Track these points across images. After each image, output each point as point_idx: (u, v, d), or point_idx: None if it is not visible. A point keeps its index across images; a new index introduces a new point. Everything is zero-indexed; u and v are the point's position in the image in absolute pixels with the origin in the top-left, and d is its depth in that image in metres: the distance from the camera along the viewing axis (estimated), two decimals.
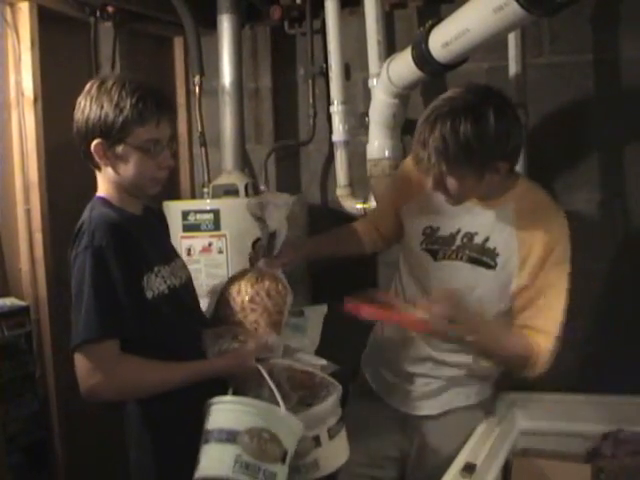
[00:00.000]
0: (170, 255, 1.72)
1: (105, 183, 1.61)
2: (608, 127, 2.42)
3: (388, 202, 2.10)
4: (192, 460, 1.50)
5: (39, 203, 2.27)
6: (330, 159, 2.78)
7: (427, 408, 1.93)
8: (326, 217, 2.77)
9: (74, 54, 2.51)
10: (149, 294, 1.55)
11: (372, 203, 2.55)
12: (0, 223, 2.27)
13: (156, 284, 1.58)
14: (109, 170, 1.58)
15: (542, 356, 1.75)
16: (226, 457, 1.46)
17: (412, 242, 1.93)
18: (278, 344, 1.68)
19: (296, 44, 2.82)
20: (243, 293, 1.74)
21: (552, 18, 1.90)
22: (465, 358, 1.84)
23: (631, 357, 2.39)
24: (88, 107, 1.54)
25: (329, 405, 1.64)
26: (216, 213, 2.35)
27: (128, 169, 1.56)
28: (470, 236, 1.83)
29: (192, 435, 1.53)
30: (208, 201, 2.45)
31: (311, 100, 2.75)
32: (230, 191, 2.47)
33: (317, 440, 1.61)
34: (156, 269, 1.59)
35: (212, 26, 2.60)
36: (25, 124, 2.26)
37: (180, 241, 2.33)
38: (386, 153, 2.44)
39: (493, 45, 2.17)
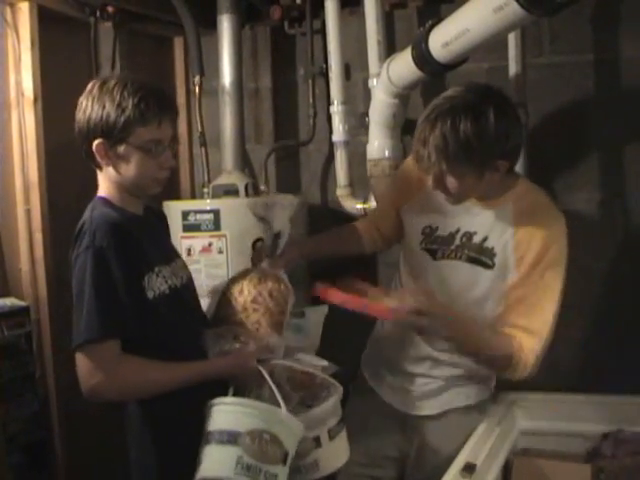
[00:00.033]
0: (171, 255, 1.72)
1: (106, 183, 1.61)
2: (608, 127, 2.42)
3: (389, 202, 2.10)
4: (193, 461, 1.50)
5: (39, 203, 2.27)
6: (330, 159, 2.78)
7: (427, 408, 1.93)
8: (326, 217, 2.77)
9: (74, 54, 2.51)
10: (150, 294, 1.55)
11: (372, 203, 2.55)
12: (0, 223, 2.27)
13: (157, 284, 1.58)
14: (110, 170, 1.58)
15: (526, 358, 1.73)
16: (227, 458, 1.46)
17: (412, 241, 1.93)
18: (279, 345, 1.68)
19: (296, 44, 2.81)
20: (246, 293, 1.74)
21: (552, 18, 1.90)
22: (464, 358, 1.84)
23: (631, 357, 2.39)
24: (90, 107, 1.54)
25: (330, 406, 1.64)
26: (216, 213, 2.35)
27: (129, 169, 1.57)
28: (469, 236, 1.83)
29: (193, 435, 1.53)
30: (208, 201, 2.45)
31: (311, 100, 2.75)
32: (230, 191, 2.47)
33: (317, 441, 1.62)
34: (157, 269, 1.59)
35: (212, 26, 2.60)
36: (25, 124, 2.26)
37: (180, 241, 2.33)
38: (386, 153, 2.44)
39: (493, 45, 2.17)
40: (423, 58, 2.07)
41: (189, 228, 2.37)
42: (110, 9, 2.52)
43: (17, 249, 2.29)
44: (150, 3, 2.59)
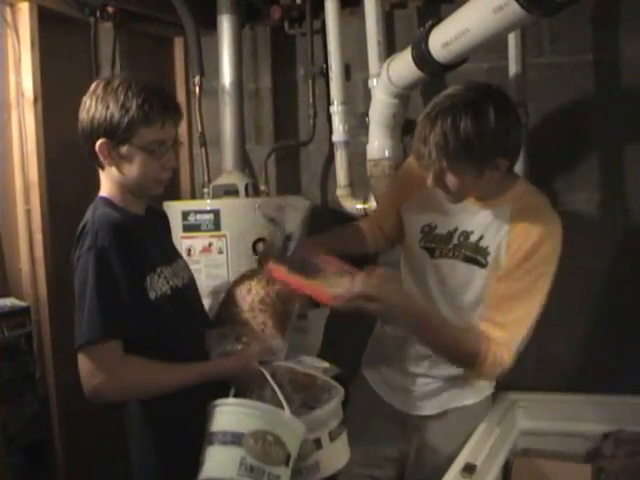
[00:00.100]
0: (172, 256, 1.72)
1: (108, 183, 1.62)
2: (608, 127, 2.42)
3: (390, 201, 2.10)
4: (194, 461, 1.50)
5: (39, 203, 2.27)
6: (330, 159, 2.78)
7: (427, 408, 1.94)
8: (326, 217, 2.77)
9: (74, 54, 2.51)
10: (152, 295, 1.56)
11: (372, 203, 2.55)
12: (0, 223, 2.27)
13: (159, 285, 1.58)
14: (113, 170, 1.58)
15: (494, 357, 1.70)
16: (230, 459, 1.46)
17: (411, 240, 1.94)
18: (282, 347, 1.68)
19: (296, 44, 2.81)
20: (254, 293, 1.74)
21: (552, 18, 1.89)
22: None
23: (631, 357, 2.39)
24: (94, 107, 1.55)
25: (331, 408, 1.64)
26: (216, 213, 2.35)
27: (132, 169, 1.57)
28: (466, 235, 1.83)
29: (194, 436, 1.53)
30: (208, 201, 2.45)
31: (311, 100, 2.75)
32: (230, 191, 2.47)
33: (318, 443, 1.62)
34: (159, 270, 1.59)
35: (212, 26, 2.60)
36: (25, 124, 2.26)
37: (180, 241, 2.32)
38: (386, 153, 2.44)
39: (493, 45, 2.17)
40: (423, 58, 2.07)
41: (189, 228, 2.37)
42: (110, 9, 2.52)
43: (17, 249, 2.29)
44: (150, 3, 2.58)
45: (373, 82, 2.46)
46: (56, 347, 2.29)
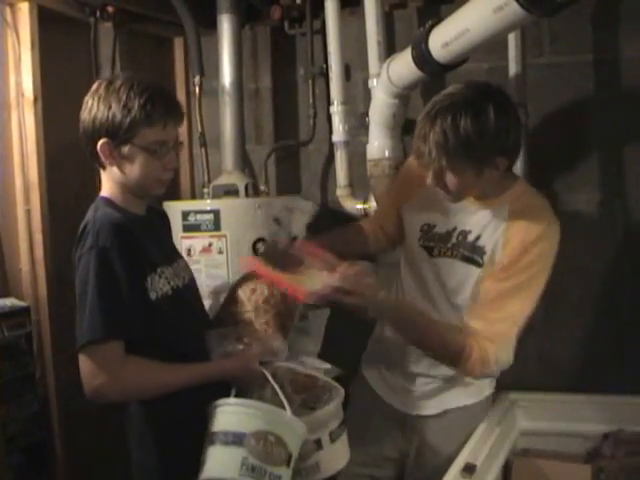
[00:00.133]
0: (173, 256, 1.72)
1: (109, 183, 1.62)
2: (608, 127, 2.42)
3: (390, 201, 2.11)
4: (195, 461, 1.50)
5: (39, 203, 2.27)
6: (330, 159, 2.78)
7: (427, 408, 1.94)
8: (326, 217, 2.76)
9: (74, 54, 2.51)
10: (153, 295, 1.55)
11: (372, 203, 2.55)
12: (0, 223, 2.27)
13: (159, 285, 1.58)
14: (114, 170, 1.58)
15: (480, 356, 1.70)
16: (232, 459, 1.46)
17: (410, 239, 1.95)
18: (283, 349, 1.68)
19: (296, 44, 2.81)
20: (259, 293, 1.74)
21: (552, 18, 1.89)
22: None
23: (631, 357, 2.39)
24: (96, 107, 1.55)
25: (332, 409, 1.65)
26: (216, 213, 2.35)
27: (134, 169, 1.57)
28: (464, 234, 1.83)
29: (195, 436, 1.53)
30: (208, 201, 2.45)
31: (311, 100, 2.75)
32: (230, 191, 2.47)
33: (319, 443, 1.62)
34: (159, 270, 1.59)
35: (212, 26, 2.60)
36: (25, 124, 2.26)
37: (180, 241, 2.32)
38: (386, 153, 2.44)
39: (493, 45, 2.17)
40: (423, 58, 2.07)
41: (189, 228, 2.37)
42: (110, 9, 2.52)
43: (17, 249, 2.29)
44: (150, 3, 2.58)
45: (373, 82, 2.46)
46: (56, 347, 2.29)
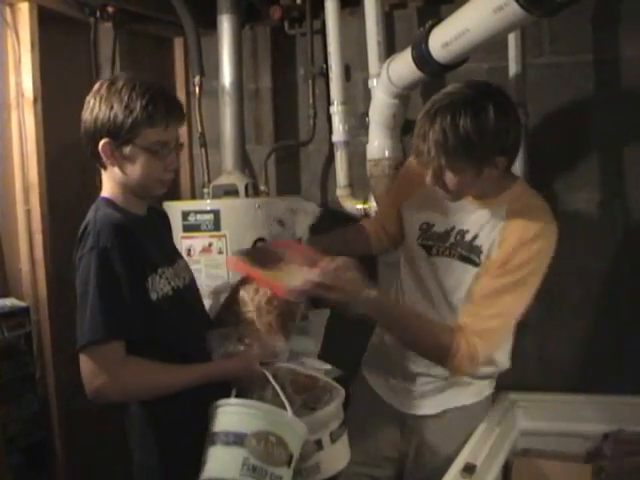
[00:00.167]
0: (173, 256, 1.72)
1: (110, 183, 1.62)
2: (608, 127, 2.42)
3: (391, 200, 2.11)
4: (196, 462, 1.50)
5: (39, 204, 2.27)
6: (330, 159, 2.78)
7: (426, 407, 1.93)
8: (326, 217, 2.76)
9: (74, 54, 2.51)
10: (153, 295, 1.55)
11: (372, 203, 2.55)
12: (0, 223, 2.27)
13: (160, 285, 1.58)
14: (116, 170, 1.58)
15: (468, 351, 1.69)
16: (233, 460, 1.46)
17: (410, 237, 1.95)
18: (285, 349, 1.68)
19: (296, 44, 2.81)
20: (262, 293, 1.73)
21: (552, 18, 1.89)
22: None
23: (631, 357, 2.39)
24: (97, 107, 1.55)
25: (332, 409, 1.64)
26: (216, 213, 2.35)
27: (135, 170, 1.57)
28: (462, 234, 1.84)
29: (196, 436, 1.53)
30: (208, 201, 2.45)
31: (311, 100, 2.75)
32: (230, 191, 2.47)
33: (319, 444, 1.62)
34: (160, 270, 1.59)
35: (212, 26, 2.60)
36: (25, 125, 2.26)
37: (180, 241, 2.32)
38: (386, 153, 2.44)
39: (493, 45, 2.17)
40: (423, 58, 2.07)
41: (189, 228, 2.37)
42: (110, 9, 2.52)
43: (17, 249, 2.29)
44: (150, 3, 2.59)
45: (373, 82, 2.46)
46: (56, 347, 2.29)
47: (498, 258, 1.73)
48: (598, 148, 2.46)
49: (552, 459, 2.05)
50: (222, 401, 1.54)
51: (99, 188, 1.67)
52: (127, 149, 1.55)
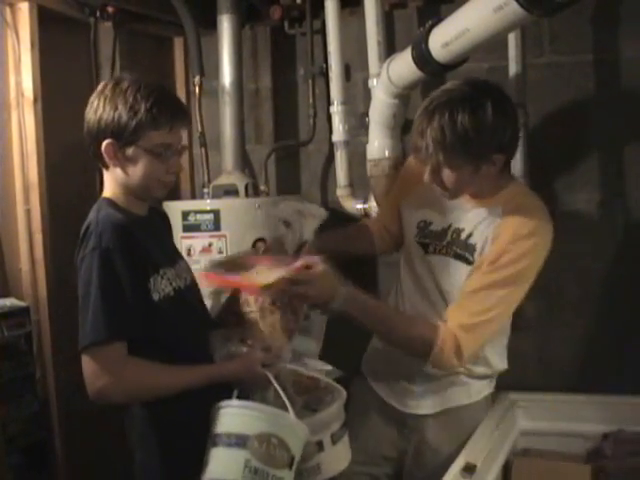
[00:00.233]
0: (174, 257, 1.72)
1: (112, 183, 1.61)
2: (608, 127, 2.42)
3: (392, 200, 2.12)
4: (198, 462, 1.50)
5: (39, 203, 2.27)
6: (330, 159, 2.78)
7: (426, 407, 1.94)
8: (327, 218, 2.76)
9: (74, 54, 2.51)
10: (155, 296, 1.55)
11: (372, 203, 2.55)
12: (0, 223, 2.27)
13: (162, 286, 1.57)
14: (118, 171, 1.58)
15: (453, 340, 1.69)
16: (235, 462, 1.46)
17: (408, 236, 1.96)
18: (287, 351, 1.67)
19: (296, 44, 2.81)
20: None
21: (552, 18, 1.90)
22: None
23: (631, 357, 2.39)
24: (102, 107, 1.54)
25: (334, 411, 1.65)
26: (216, 213, 2.35)
27: (137, 171, 1.56)
28: (458, 232, 1.84)
29: (198, 437, 1.52)
30: (208, 201, 2.45)
31: (311, 100, 2.75)
32: (230, 191, 2.47)
33: (320, 445, 1.62)
34: (162, 271, 1.59)
35: (212, 26, 2.60)
36: (25, 124, 2.26)
37: (180, 241, 2.32)
38: (386, 153, 2.44)
39: (493, 45, 2.17)
40: (423, 58, 2.07)
41: (189, 228, 2.37)
42: (110, 9, 2.52)
43: (17, 249, 2.29)
44: (150, 3, 2.59)
45: (373, 82, 2.46)
46: (56, 347, 2.29)
47: (490, 254, 1.73)
48: (598, 148, 2.46)
49: (552, 459, 2.05)
50: (224, 402, 1.53)
51: (100, 188, 1.66)
52: (130, 150, 1.55)
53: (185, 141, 1.67)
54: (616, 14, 2.39)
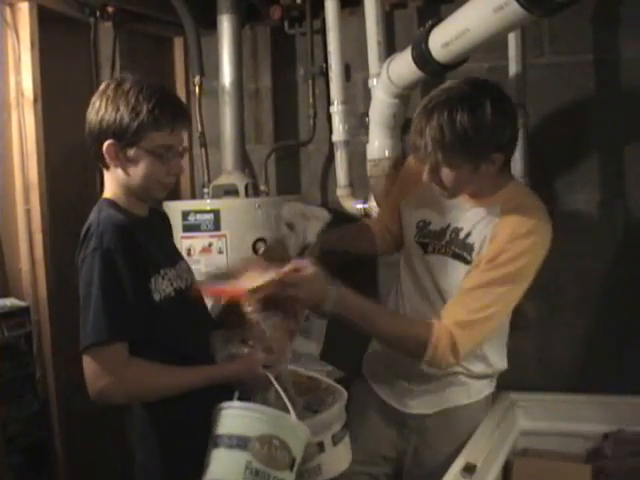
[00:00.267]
0: (175, 257, 1.72)
1: (113, 184, 1.61)
2: (608, 127, 2.42)
3: (392, 200, 2.12)
4: (198, 463, 1.50)
5: (39, 203, 2.28)
6: (330, 159, 2.78)
7: (426, 406, 1.94)
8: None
9: (74, 54, 2.51)
10: (156, 296, 1.55)
11: (372, 203, 2.55)
12: (0, 223, 2.27)
13: (163, 286, 1.57)
14: (119, 171, 1.58)
15: (448, 338, 1.68)
16: (236, 463, 1.46)
17: (407, 236, 1.96)
18: (289, 352, 1.67)
19: (296, 44, 2.81)
20: None
21: (552, 18, 1.89)
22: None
23: (631, 357, 2.39)
24: (103, 108, 1.54)
25: (335, 411, 1.65)
26: (216, 213, 2.35)
27: (137, 172, 1.56)
28: (457, 232, 1.84)
29: (199, 438, 1.52)
30: (208, 201, 2.45)
31: (311, 100, 2.75)
32: (230, 191, 2.47)
33: (321, 446, 1.62)
34: (163, 271, 1.59)
35: (212, 26, 2.60)
36: (25, 124, 2.26)
37: (180, 241, 2.33)
38: (386, 153, 2.43)
39: (493, 45, 2.17)
40: (423, 58, 2.07)
41: (189, 228, 2.37)
42: (110, 9, 2.52)
43: (17, 249, 2.29)
44: (150, 3, 2.59)
45: (373, 82, 2.46)
46: (56, 347, 2.29)
47: (488, 253, 1.73)
48: (598, 148, 2.46)
49: (552, 459, 2.05)
50: (226, 404, 1.53)
51: (100, 188, 1.66)
52: (131, 151, 1.55)
53: (186, 143, 1.67)
54: (616, 14, 2.39)
